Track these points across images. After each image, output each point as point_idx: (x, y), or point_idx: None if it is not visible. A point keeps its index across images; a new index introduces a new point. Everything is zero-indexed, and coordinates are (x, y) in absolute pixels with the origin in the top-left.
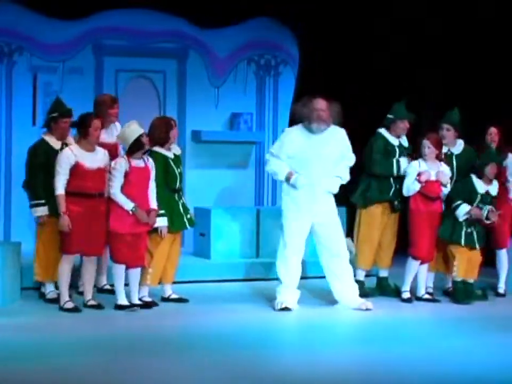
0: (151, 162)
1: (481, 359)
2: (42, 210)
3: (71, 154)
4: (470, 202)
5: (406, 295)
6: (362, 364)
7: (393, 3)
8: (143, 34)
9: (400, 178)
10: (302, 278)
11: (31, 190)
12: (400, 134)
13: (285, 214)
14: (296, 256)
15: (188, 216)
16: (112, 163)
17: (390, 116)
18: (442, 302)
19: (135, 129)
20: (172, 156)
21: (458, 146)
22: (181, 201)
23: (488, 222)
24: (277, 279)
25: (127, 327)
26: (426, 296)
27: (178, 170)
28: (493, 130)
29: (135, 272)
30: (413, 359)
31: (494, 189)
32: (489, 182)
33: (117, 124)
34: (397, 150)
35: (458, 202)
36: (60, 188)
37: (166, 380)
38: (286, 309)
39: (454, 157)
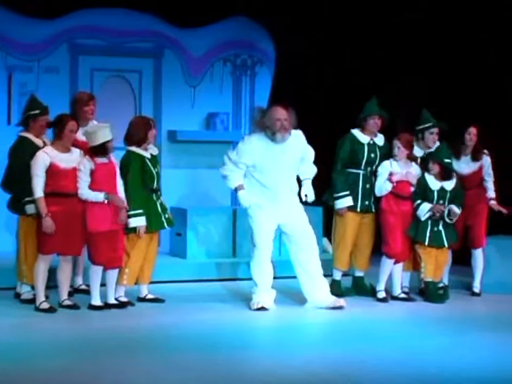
0: (114, 158)
1: (457, 358)
2: (34, 208)
3: (46, 156)
4: (429, 201)
5: (381, 294)
6: (338, 363)
7: (375, 3)
8: (119, 33)
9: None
10: (277, 278)
11: (24, 188)
12: (373, 131)
13: (252, 217)
14: (268, 256)
15: (166, 216)
16: (79, 164)
17: (361, 115)
18: (418, 301)
19: (105, 134)
20: (149, 156)
21: (434, 148)
22: (159, 201)
23: (449, 220)
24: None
25: (104, 327)
26: (402, 295)
27: (156, 170)
28: (472, 130)
29: (113, 273)
30: (389, 358)
31: (448, 184)
32: (441, 178)
33: (95, 122)
34: (366, 148)
35: (418, 201)
36: (39, 191)
37: (143, 380)
38: (262, 308)
39: None
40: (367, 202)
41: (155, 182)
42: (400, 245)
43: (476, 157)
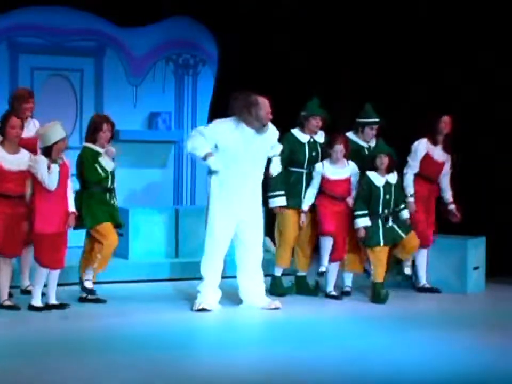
0: (68, 160)
1: (398, 356)
2: None
3: None
4: (375, 197)
5: (331, 293)
6: (280, 363)
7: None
8: (60, 32)
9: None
10: (223, 277)
11: None
12: (314, 130)
13: (211, 212)
14: (222, 255)
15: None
16: (31, 162)
17: (303, 113)
18: (358, 300)
19: (57, 132)
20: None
21: (373, 139)
22: (112, 201)
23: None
24: (199, 278)
25: (44, 328)
26: (333, 293)
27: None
28: (446, 118)
29: (55, 274)
30: (331, 357)
31: (392, 177)
32: (385, 172)
33: (36, 121)
34: (307, 147)
35: (359, 213)
36: None
37: (85, 380)
38: (203, 309)
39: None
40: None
41: (109, 181)
42: (334, 224)
43: (445, 148)
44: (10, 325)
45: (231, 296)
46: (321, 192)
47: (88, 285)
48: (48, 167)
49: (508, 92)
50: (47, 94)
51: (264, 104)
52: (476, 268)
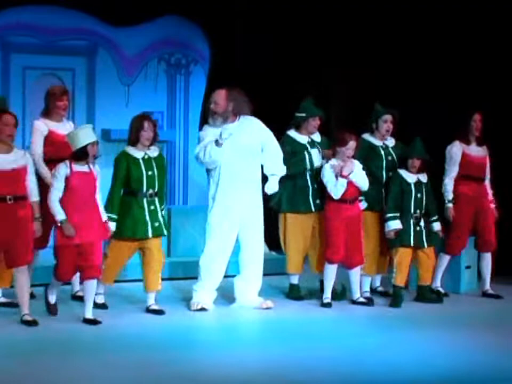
0: (97, 169)
1: (394, 356)
2: None
3: None
4: (407, 194)
5: (327, 300)
6: (277, 363)
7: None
8: (52, 31)
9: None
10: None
11: None
12: (313, 131)
13: (212, 213)
14: (222, 256)
15: (156, 224)
16: (54, 169)
17: (300, 115)
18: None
19: (86, 135)
20: (141, 156)
21: (392, 139)
22: (152, 207)
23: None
24: (192, 277)
25: (39, 328)
26: (361, 299)
27: (149, 173)
28: (476, 117)
29: (91, 285)
30: (326, 357)
31: (423, 177)
32: (417, 171)
33: (71, 123)
34: (308, 146)
35: (390, 215)
36: None
37: (79, 379)
38: (202, 309)
39: (390, 149)
40: (318, 201)
41: (144, 185)
42: (343, 250)
43: (480, 141)
44: (2, 325)
45: (226, 296)
46: (329, 198)
47: (100, 300)
48: (67, 180)
49: (507, 92)
50: (39, 93)
51: (212, 96)
52: (467, 267)
